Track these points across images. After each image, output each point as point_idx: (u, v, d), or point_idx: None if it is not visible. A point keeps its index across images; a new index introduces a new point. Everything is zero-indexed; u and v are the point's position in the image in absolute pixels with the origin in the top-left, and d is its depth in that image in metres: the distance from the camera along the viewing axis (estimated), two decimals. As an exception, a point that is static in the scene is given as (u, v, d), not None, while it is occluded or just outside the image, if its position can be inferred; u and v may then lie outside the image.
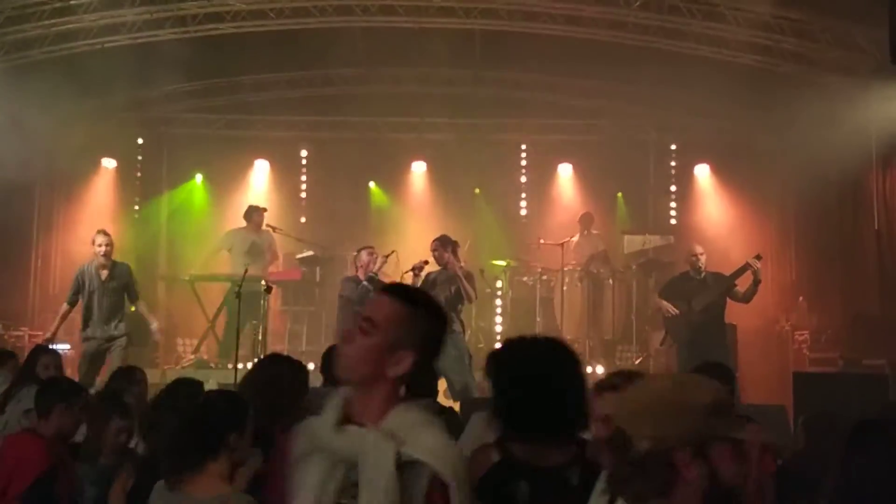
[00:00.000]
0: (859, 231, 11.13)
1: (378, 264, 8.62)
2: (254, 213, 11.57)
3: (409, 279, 9.07)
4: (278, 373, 4.08)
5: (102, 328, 8.58)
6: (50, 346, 7.03)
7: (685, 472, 1.73)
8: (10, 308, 11.15)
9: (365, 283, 8.45)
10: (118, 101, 12.18)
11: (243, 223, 11.60)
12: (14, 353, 7.10)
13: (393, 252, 9.15)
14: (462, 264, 8.70)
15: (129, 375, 5.60)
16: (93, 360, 8.53)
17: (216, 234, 12.10)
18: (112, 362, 8.52)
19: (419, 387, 5.43)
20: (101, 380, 8.43)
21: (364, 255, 8.84)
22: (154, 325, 9.05)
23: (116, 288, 8.70)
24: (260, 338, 9.62)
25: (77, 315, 8.90)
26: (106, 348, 8.61)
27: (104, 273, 8.65)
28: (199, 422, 3.22)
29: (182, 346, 11.96)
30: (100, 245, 8.63)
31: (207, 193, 13.15)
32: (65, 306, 8.78)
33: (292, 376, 4.08)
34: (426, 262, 9.15)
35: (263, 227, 11.52)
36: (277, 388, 3.86)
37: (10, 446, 4.41)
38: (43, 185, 12.28)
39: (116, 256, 8.95)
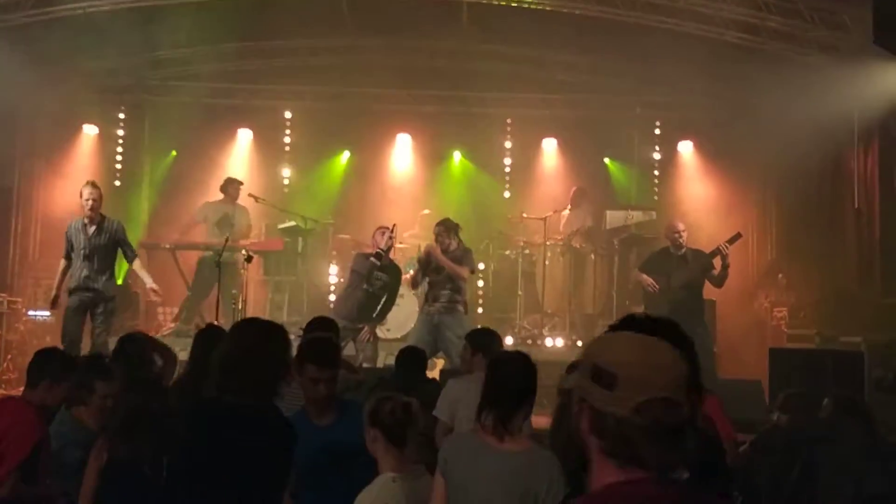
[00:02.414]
0: (839, 209, 11.24)
1: (384, 241, 8.62)
2: (229, 186, 11.53)
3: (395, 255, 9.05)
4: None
5: (84, 282, 8.27)
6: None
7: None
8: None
9: (373, 258, 8.46)
10: (100, 67, 12.04)
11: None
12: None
13: (394, 225, 9.15)
14: (459, 244, 8.64)
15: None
16: (76, 314, 8.27)
17: (198, 203, 12.03)
18: (95, 326, 8.32)
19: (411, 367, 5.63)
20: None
21: (377, 235, 8.83)
22: (149, 284, 8.76)
23: (105, 244, 8.37)
24: (240, 307, 9.61)
25: (52, 281, 8.67)
26: (89, 304, 8.31)
27: (92, 229, 8.34)
28: None
29: (162, 315, 11.93)
30: (87, 199, 8.29)
31: (185, 165, 13.00)
32: (62, 262, 8.45)
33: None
34: (428, 254, 8.91)
35: (242, 198, 11.46)
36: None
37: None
38: (23, 152, 12.17)
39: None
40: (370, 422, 3.47)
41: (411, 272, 9.28)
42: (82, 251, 8.32)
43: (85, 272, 8.30)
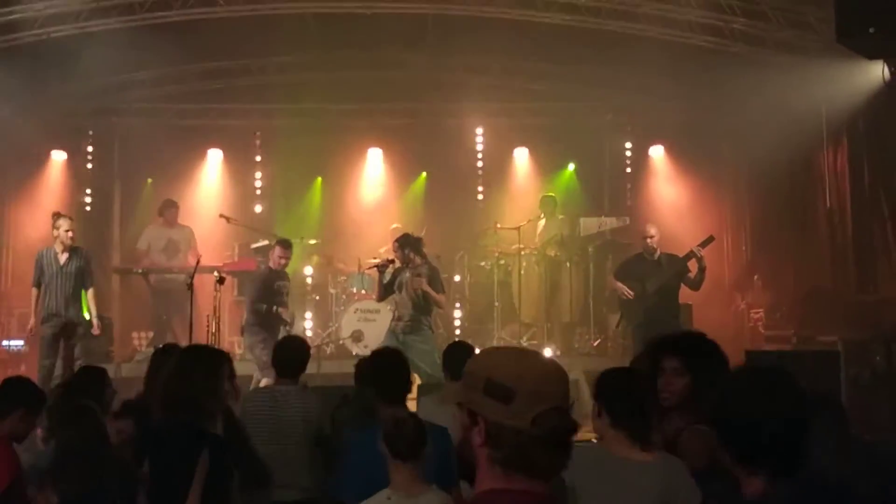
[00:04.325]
0: (811, 209, 11.29)
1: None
2: (166, 209, 11.51)
3: (374, 275, 9.10)
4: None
5: (60, 312, 8.58)
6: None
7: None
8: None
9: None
10: (67, 91, 11.92)
11: (197, 214, 11.47)
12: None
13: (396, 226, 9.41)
14: (423, 261, 8.65)
15: (99, 377, 5.23)
16: (52, 343, 8.55)
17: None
18: (68, 353, 8.54)
19: (395, 383, 5.58)
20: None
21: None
22: (94, 320, 8.92)
23: (75, 273, 8.70)
24: (214, 329, 9.52)
25: (29, 308, 8.91)
26: (63, 333, 8.59)
27: (63, 257, 8.67)
28: None
29: (137, 340, 11.83)
30: (66, 230, 8.68)
31: (156, 187, 12.88)
32: (33, 290, 8.79)
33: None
34: (392, 261, 9.11)
35: (213, 219, 11.41)
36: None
37: None
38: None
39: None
40: (382, 437, 3.59)
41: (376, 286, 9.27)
42: (55, 280, 8.59)
43: (57, 301, 8.58)
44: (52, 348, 8.55)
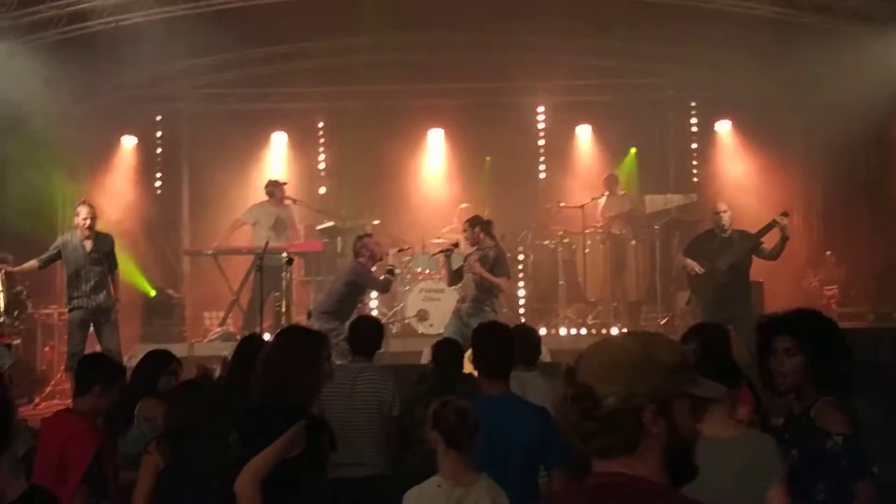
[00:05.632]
0: (885, 182, 10.98)
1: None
2: (276, 188, 11.58)
3: (441, 261, 9.11)
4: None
5: (89, 299, 8.66)
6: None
7: (651, 428, 1.76)
8: (40, 287, 11.28)
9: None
10: (135, 78, 12.17)
11: (263, 196, 11.60)
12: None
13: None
14: (493, 243, 8.63)
15: (163, 362, 5.31)
16: (81, 328, 8.67)
17: (237, 208, 12.09)
18: (104, 337, 8.66)
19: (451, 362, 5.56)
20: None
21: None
22: (117, 304, 8.99)
23: (100, 258, 8.77)
24: (283, 309, 9.66)
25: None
26: (93, 319, 8.70)
27: (88, 244, 8.72)
28: None
29: (209, 319, 12.08)
30: (84, 218, 8.68)
31: (223, 170, 13.06)
32: (34, 262, 8.90)
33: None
34: (457, 245, 9.14)
35: (285, 201, 11.56)
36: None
37: (55, 425, 4.43)
38: (64, 166, 12.34)
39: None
40: (431, 424, 3.56)
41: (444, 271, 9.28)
42: (82, 267, 8.66)
43: (86, 290, 8.65)
44: (82, 334, 8.67)
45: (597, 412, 1.78)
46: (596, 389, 1.78)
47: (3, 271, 9.28)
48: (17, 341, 9.80)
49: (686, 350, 1.89)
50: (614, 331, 10.71)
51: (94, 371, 4.53)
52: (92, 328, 8.76)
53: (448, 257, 8.99)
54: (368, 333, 5.45)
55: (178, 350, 6.71)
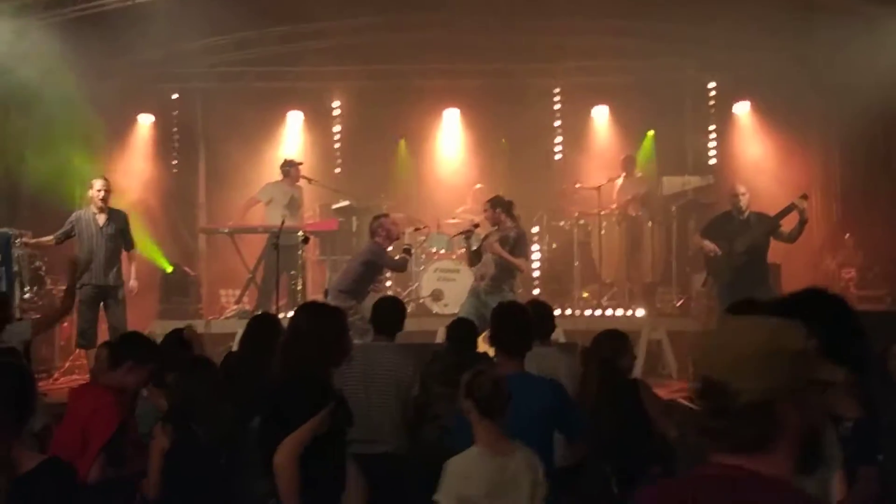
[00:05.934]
0: (906, 165, 10.86)
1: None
2: (291, 168, 11.58)
3: (461, 244, 9.11)
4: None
5: (99, 276, 8.65)
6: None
7: (786, 421, 1.68)
8: (58, 263, 11.33)
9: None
10: (151, 57, 12.16)
11: (278, 175, 11.60)
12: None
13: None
14: (514, 224, 8.61)
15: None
16: (90, 306, 8.66)
17: (253, 186, 12.11)
18: (110, 314, 8.67)
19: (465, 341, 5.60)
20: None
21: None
22: (131, 283, 9.00)
23: (113, 234, 8.76)
24: (299, 287, 9.69)
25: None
26: (102, 296, 8.70)
27: (101, 218, 8.71)
28: None
29: (225, 297, 12.15)
30: (99, 189, 8.67)
31: (238, 149, 13.07)
32: (50, 238, 8.94)
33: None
34: (477, 226, 9.14)
35: (300, 180, 11.55)
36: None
37: (80, 398, 4.50)
38: (81, 144, 12.37)
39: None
40: (465, 393, 3.61)
41: (463, 249, 9.28)
42: (94, 242, 8.66)
43: (97, 265, 8.65)
44: (92, 311, 8.66)
45: (731, 409, 1.68)
46: (728, 385, 1.69)
47: (22, 245, 9.32)
48: (37, 316, 9.86)
49: (806, 332, 1.74)
50: (639, 312, 10.70)
51: (127, 347, 4.61)
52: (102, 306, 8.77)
53: (468, 239, 8.99)
54: (391, 314, 5.47)
55: (195, 327, 6.74)
